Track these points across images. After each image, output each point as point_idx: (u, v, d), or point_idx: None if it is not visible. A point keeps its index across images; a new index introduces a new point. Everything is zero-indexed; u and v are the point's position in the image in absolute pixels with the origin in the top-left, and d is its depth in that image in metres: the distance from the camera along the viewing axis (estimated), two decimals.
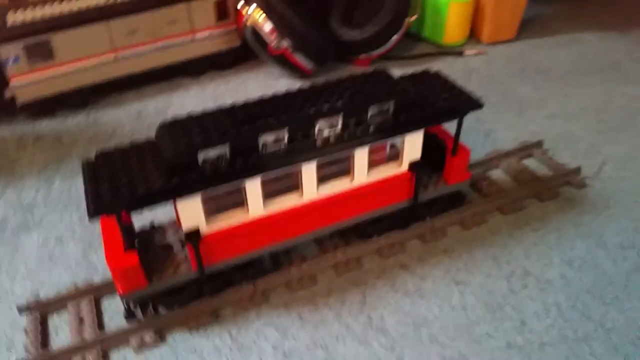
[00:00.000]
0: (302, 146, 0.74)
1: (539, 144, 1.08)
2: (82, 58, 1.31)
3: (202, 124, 0.72)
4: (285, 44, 1.31)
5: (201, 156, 0.70)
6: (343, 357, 0.75)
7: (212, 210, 0.75)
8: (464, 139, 0.86)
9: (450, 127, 0.89)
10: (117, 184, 0.69)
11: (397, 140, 0.81)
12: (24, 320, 0.82)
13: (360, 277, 0.86)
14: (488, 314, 0.79)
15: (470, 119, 0.83)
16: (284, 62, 1.35)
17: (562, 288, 0.82)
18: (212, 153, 0.70)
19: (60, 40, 1.26)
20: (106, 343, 0.77)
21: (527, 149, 1.07)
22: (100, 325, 0.81)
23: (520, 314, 0.78)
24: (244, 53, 1.47)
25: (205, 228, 0.74)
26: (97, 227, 0.98)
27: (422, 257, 0.88)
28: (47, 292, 0.86)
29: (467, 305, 0.80)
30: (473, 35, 1.54)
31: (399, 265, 0.87)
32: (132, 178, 0.69)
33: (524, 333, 0.76)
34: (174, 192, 0.69)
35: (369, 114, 0.76)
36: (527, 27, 1.58)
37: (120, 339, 0.78)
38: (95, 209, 0.67)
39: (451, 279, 0.84)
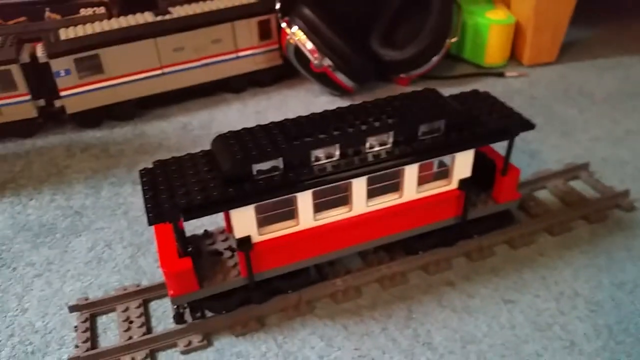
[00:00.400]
0: (353, 162, 0.75)
1: (585, 166, 1.07)
2: (129, 73, 1.35)
3: (256, 138, 0.74)
4: (327, 62, 1.33)
5: (256, 169, 0.71)
6: None
7: (263, 219, 0.76)
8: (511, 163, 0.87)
9: (497, 146, 0.90)
10: (175, 193, 0.71)
11: (447, 158, 0.81)
12: (73, 319, 0.84)
13: (406, 292, 0.86)
14: (537, 333, 0.78)
15: (515, 139, 0.84)
16: (325, 80, 1.38)
17: (613, 310, 0.80)
18: (266, 166, 0.72)
19: (108, 55, 1.31)
20: (154, 344, 0.79)
21: (574, 171, 1.06)
22: (148, 327, 0.82)
23: (569, 335, 0.77)
24: (285, 71, 1.50)
25: (256, 236, 0.76)
26: (144, 233, 1.00)
27: (468, 275, 0.88)
28: (95, 293, 0.88)
29: (516, 324, 0.79)
30: (513, 57, 1.54)
31: (445, 282, 0.87)
32: (189, 188, 0.71)
33: (573, 354, 0.75)
34: (229, 202, 0.71)
35: (420, 132, 0.77)
36: (568, 51, 1.58)
37: (167, 341, 0.79)
38: (155, 216, 0.69)
39: (499, 297, 0.83)
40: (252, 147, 0.72)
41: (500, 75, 1.47)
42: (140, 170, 0.76)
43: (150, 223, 0.68)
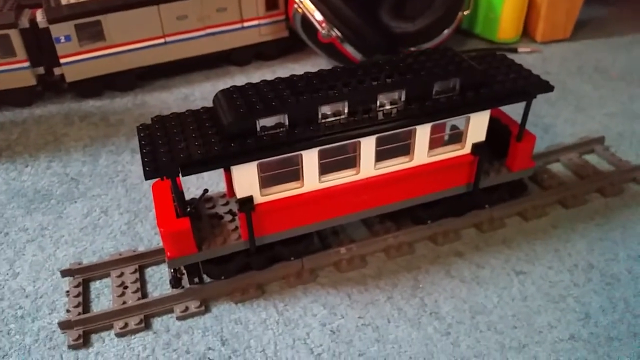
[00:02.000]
0: (362, 120, 0.71)
1: (600, 140, 1.03)
2: (131, 41, 1.31)
3: (261, 93, 0.70)
4: (335, 33, 1.29)
5: (260, 124, 0.68)
6: (394, 338, 0.71)
7: (266, 179, 0.72)
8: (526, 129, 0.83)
9: (512, 115, 0.86)
10: (174, 147, 0.67)
11: (460, 120, 0.77)
12: (66, 285, 0.81)
13: (412, 262, 0.82)
14: (550, 304, 0.74)
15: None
16: (332, 52, 1.34)
17: (630, 283, 0.77)
18: (270, 122, 0.68)
19: (111, 22, 1.27)
20: (149, 309, 0.75)
21: (588, 145, 1.02)
22: (143, 293, 0.79)
23: (584, 307, 0.74)
24: (291, 44, 1.46)
25: (259, 197, 0.72)
26: (142, 200, 0.97)
27: (479, 246, 0.84)
28: (90, 259, 0.85)
29: (528, 295, 0.76)
30: (526, 33, 1.50)
31: (454, 253, 0.83)
32: (189, 143, 0.68)
33: (589, 326, 0.71)
34: (231, 158, 0.67)
35: (434, 91, 0.74)
36: (583, 28, 1.53)
37: (163, 306, 0.76)
38: (152, 170, 0.65)
39: (511, 268, 0.80)
40: (256, 102, 0.68)
41: (513, 51, 1.43)
42: (138, 126, 0.73)
43: (147, 177, 0.65)
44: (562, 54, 1.42)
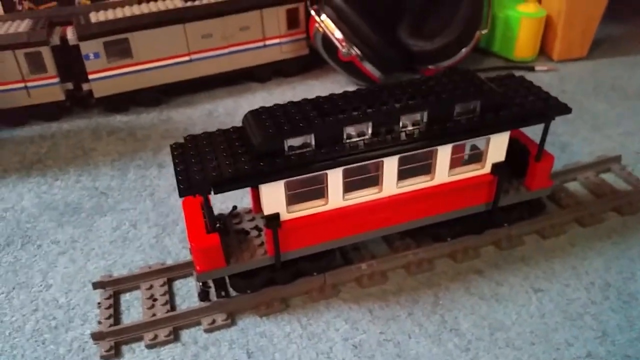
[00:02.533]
0: (385, 140, 0.74)
1: (617, 159, 1.05)
2: (157, 58, 1.35)
3: (288, 114, 0.73)
4: (355, 52, 1.32)
5: (287, 144, 0.71)
6: (415, 353, 0.73)
7: (293, 197, 0.75)
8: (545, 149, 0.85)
9: (530, 135, 0.88)
10: (206, 166, 0.70)
11: (480, 141, 0.80)
12: (97, 296, 0.84)
13: (432, 278, 0.84)
14: (567, 322, 0.76)
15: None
16: (352, 70, 1.37)
17: None
18: (298, 142, 0.71)
19: (138, 40, 1.31)
20: (178, 322, 0.78)
21: (605, 163, 1.04)
22: (171, 305, 0.82)
23: (601, 325, 0.75)
24: (311, 61, 1.49)
25: (285, 214, 0.75)
26: (170, 214, 1.00)
27: (497, 263, 0.86)
28: (120, 271, 0.89)
29: (546, 312, 0.78)
30: (543, 52, 1.52)
31: (474, 271, 0.85)
32: (221, 161, 0.71)
33: (606, 344, 0.73)
34: (260, 177, 0.70)
35: (455, 112, 0.76)
36: (599, 46, 1.55)
37: (191, 318, 0.79)
38: (186, 188, 0.68)
39: (529, 286, 0.82)
40: (284, 123, 0.71)
41: (530, 69, 1.45)
42: (171, 145, 0.76)
43: (181, 195, 0.68)
44: (579, 72, 1.44)
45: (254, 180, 0.71)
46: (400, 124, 0.75)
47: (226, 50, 1.40)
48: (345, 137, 0.73)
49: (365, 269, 0.84)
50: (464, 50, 1.37)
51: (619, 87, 1.36)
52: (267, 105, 0.77)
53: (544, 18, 1.43)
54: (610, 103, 1.29)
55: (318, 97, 0.77)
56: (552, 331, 0.75)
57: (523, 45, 1.45)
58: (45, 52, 1.27)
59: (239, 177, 0.69)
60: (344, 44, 1.32)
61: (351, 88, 1.38)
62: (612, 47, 1.57)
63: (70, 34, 1.30)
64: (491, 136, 0.78)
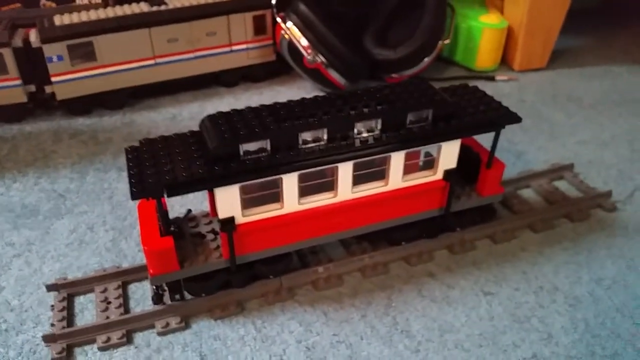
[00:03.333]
0: (340, 146, 0.75)
1: (570, 167, 1.08)
2: (122, 62, 1.35)
3: (245, 119, 0.74)
4: (320, 59, 1.34)
5: (243, 149, 0.71)
6: (367, 355, 0.74)
7: (248, 201, 0.76)
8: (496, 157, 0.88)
9: (483, 142, 0.91)
10: (160, 169, 0.71)
11: (432, 148, 0.82)
12: (51, 299, 0.83)
13: (387, 281, 0.86)
14: (515, 324, 0.78)
15: (501, 140, 0.84)
16: (317, 77, 1.38)
17: (591, 305, 0.81)
18: (253, 146, 0.72)
19: (102, 43, 1.31)
20: (131, 324, 0.78)
21: (558, 171, 1.07)
22: (125, 308, 0.82)
23: (547, 327, 0.78)
24: (278, 67, 1.51)
25: (240, 218, 0.76)
26: (127, 218, 1.00)
27: (450, 267, 0.88)
28: (75, 274, 0.88)
29: (494, 315, 0.80)
30: (505, 62, 1.56)
31: (427, 274, 0.87)
32: (175, 165, 0.71)
33: (550, 345, 0.75)
34: (215, 181, 0.71)
35: (408, 120, 0.78)
36: (558, 58, 1.60)
37: (145, 321, 0.79)
38: (139, 191, 0.68)
39: (479, 289, 0.84)
40: (240, 127, 0.72)
41: (491, 79, 1.48)
42: (126, 148, 0.76)
43: (134, 198, 0.68)
44: (538, 82, 1.48)
45: (208, 184, 0.71)
46: (355, 131, 0.76)
47: (192, 55, 1.40)
48: (300, 142, 0.74)
49: (321, 272, 0.85)
50: (426, 59, 1.40)
51: (576, 97, 1.40)
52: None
53: (505, 29, 1.47)
54: (567, 112, 1.33)
55: (275, 103, 0.78)
56: (500, 333, 0.77)
57: (485, 55, 1.49)
58: (7, 54, 1.25)
59: (193, 181, 0.70)
60: (309, 51, 1.33)
61: (317, 94, 1.41)
62: (571, 58, 1.62)
63: (34, 36, 1.28)
64: (442, 144, 0.80)
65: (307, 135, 0.74)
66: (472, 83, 1.44)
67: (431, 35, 1.38)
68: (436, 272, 0.87)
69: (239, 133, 0.71)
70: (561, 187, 1.04)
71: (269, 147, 0.73)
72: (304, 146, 0.74)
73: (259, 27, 1.44)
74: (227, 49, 1.43)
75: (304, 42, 1.34)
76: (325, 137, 0.75)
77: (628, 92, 1.43)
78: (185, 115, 1.35)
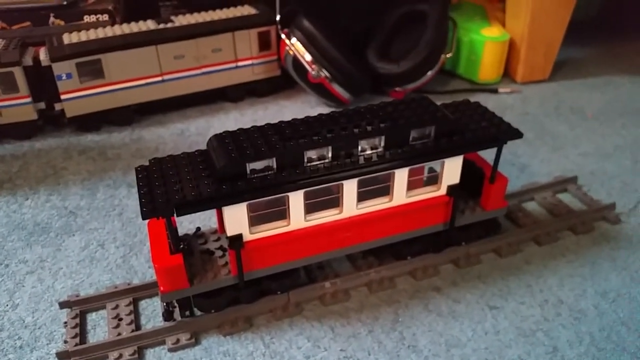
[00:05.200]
0: (345, 164, 0.77)
1: (573, 180, 1.09)
2: (130, 79, 1.37)
3: (251, 138, 0.76)
4: (324, 74, 1.36)
5: (250, 167, 0.73)
6: None
7: (255, 218, 0.77)
8: (499, 170, 0.89)
9: (487, 157, 0.92)
10: (170, 189, 0.72)
11: (436, 164, 0.83)
12: (64, 316, 0.85)
13: (393, 296, 0.87)
14: (520, 338, 0.79)
15: (505, 152, 0.86)
16: (322, 91, 1.40)
17: (596, 319, 0.82)
18: (260, 165, 0.74)
19: (110, 61, 1.33)
20: (142, 341, 0.80)
21: (562, 184, 1.08)
22: (137, 324, 0.83)
23: (552, 341, 0.79)
24: (283, 82, 1.53)
25: (248, 235, 0.77)
26: (137, 234, 1.01)
27: (455, 281, 0.89)
28: (87, 291, 0.89)
29: (500, 329, 0.81)
30: (507, 74, 1.57)
31: (432, 288, 0.88)
32: (184, 184, 0.73)
33: (556, 359, 0.76)
34: (223, 199, 0.72)
35: (411, 137, 0.79)
36: (561, 69, 1.61)
37: (156, 338, 0.80)
38: (149, 211, 0.70)
39: (485, 303, 0.85)
40: (247, 147, 0.74)
41: (494, 91, 1.50)
42: (136, 167, 0.78)
43: (144, 217, 0.70)
44: (541, 94, 1.49)
45: (216, 203, 0.73)
46: (359, 148, 0.78)
47: (199, 71, 1.43)
48: (306, 160, 0.76)
49: (328, 287, 0.87)
50: (429, 72, 1.42)
51: (579, 108, 1.42)
52: (239, 124, 0.80)
53: (507, 42, 1.49)
54: (570, 124, 1.34)
55: (280, 122, 0.80)
56: (506, 347, 0.78)
57: (487, 68, 1.50)
58: (18, 72, 1.28)
59: (202, 200, 0.71)
60: (313, 66, 1.35)
61: (321, 108, 1.44)
62: (573, 69, 1.63)
63: (43, 54, 1.31)
64: (445, 160, 0.81)
65: (312, 154, 0.76)
66: (475, 95, 1.48)
67: (433, 49, 1.40)
68: (442, 287, 0.88)
69: (246, 152, 0.73)
70: (565, 200, 1.05)
71: (275, 166, 0.74)
72: (309, 164, 0.76)
73: (264, 43, 1.46)
74: (232, 65, 1.46)
75: (308, 57, 1.36)
76: (329, 155, 0.77)
77: (630, 103, 1.44)
78: (193, 131, 1.37)
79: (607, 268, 0.90)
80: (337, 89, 1.38)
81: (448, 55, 1.45)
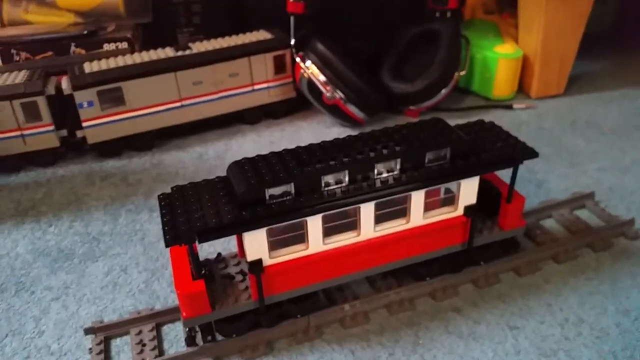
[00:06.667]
0: (361, 187, 0.78)
1: (591, 196, 1.09)
2: (150, 105, 1.40)
3: (270, 164, 0.78)
4: (339, 95, 1.38)
5: (268, 193, 0.75)
6: None
7: (274, 243, 0.79)
8: (516, 188, 0.89)
9: (503, 175, 0.92)
10: (192, 216, 0.74)
11: (452, 185, 0.84)
12: (88, 342, 0.86)
13: (413, 318, 0.87)
14: (542, 358, 0.79)
15: (522, 169, 0.86)
16: (337, 112, 1.42)
17: (618, 337, 0.81)
18: (278, 191, 0.75)
19: (130, 88, 1.37)
20: None
21: (580, 200, 1.08)
22: (160, 350, 0.84)
23: None
24: (298, 103, 1.55)
25: (267, 260, 0.78)
26: (159, 259, 1.03)
27: (475, 301, 0.89)
28: (110, 317, 0.91)
29: (521, 349, 0.80)
30: (521, 89, 1.57)
31: (453, 309, 0.88)
32: (205, 212, 0.75)
33: None
34: (243, 226, 0.74)
35: (426, 159, 0.80)
36: (575, 83, 1.61)
37: None
38: (172, 238, 0.72)
39: (505, 323, 0.84)
40: (265, 173, 0.75)
41: (509, 107, 1.50)
42: (159, 195, 0.80)
43: (167, 245, 0.72)
44: (556, 109, 1.49)
45: (237, 229, 0.74)
46: (375, 172, 0.79)
47: (216, 96, 1.45)
48: (323, 185, 0.77)
49: (348, 310, 0.87)
50: (443, 90, 1.43)
51: (595, 122, 1.41)
52: (257, 146, 0.81)
53: (520, 58, 1.49)
54: (586, 139, 1.34)
55: (297, 147, 0.81)
56: None
57: (501, 84, 1.51)
58: (41, 102, 1.32)
59: (223, 227, 0.73)
60: (328, 87, 1.37)
61: (337, 128, 1.46)
62: (588, 83, 1.63)
63: (65, 83, 1.35)
64: (461, 181, 0.82)
65: (329, 178, 0.77)
66: (489, 112, 1.49)
67: (447, 68, 1.41)
68: (462, 307, 0.88)
69: (265, 178, 0.74)
70: (583, 216, 1.04)
71: (293, 191, 0.76)
72: (326, 188, 0.77)
73: (279, 67, 1.49)
74: (249, 88, 1.48)
75: (323, 79, 1.38)
76: (346, 179, 0.78)
77: None
78: (212, 154, 1.40)
79: (628, 285, 0.90)
80: (352, 109, 1.39)
81: (462, 73, 1.46)
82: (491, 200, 0.90)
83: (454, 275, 0.91)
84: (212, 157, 1.38)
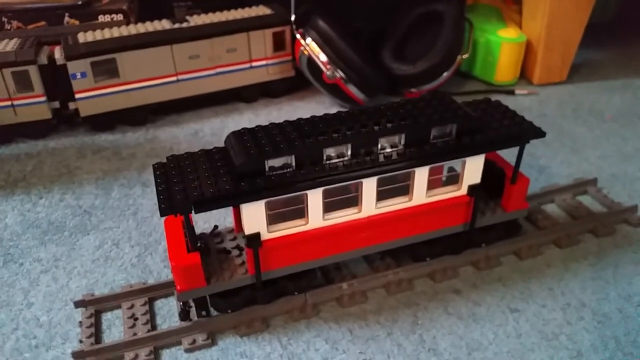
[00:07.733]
0: (364, 162, 0.75)
1: (593, 182, 1.07)
2: (145, 78, 1.37)
3: (270, 135, 0.75)
4: (339, 74, 1.35)
5: (268, 164, 0.72)
6: None
7: (273, 217, 0.76)
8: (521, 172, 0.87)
9: (507, 157, 0.90)
10: (188, 186, 0.72)
11: (456, 163, 0.82)
12: (79, 315, 0.84)
13: (412, 298, 0.85)
14: (543, 342, 0.77)
15: (524, 154, 0.84)
16: (337, 92, 1.39)
17: (620, 322, 0.80)
18: (278, 162, 0.73)
19: (125, 60, 1.33)
20: (158, 341, 0.79)
21: (582, 186, 1.06)
22: (152, 325, 0.82)
23: (576, 345, 0.77)
24: (297, 83, 1.52)
25: (265, 234, 0.76)
26: (152, 233, 1.01)
27: (475, 283, 0.87)
28: (101, 290, 0.89)
29: (522, 332, 0.79)
30: (524, 75, 1.55)
31: (452, 290, 0.86)
32: (202, 181, 0.72)
33: None
34: (241, 197, 0.71)
35: (431, 135, 0.78)
36: (578, 71, 1.59)
37: (172, 338, 0.79)
38: (167, 208, 0.69)
39: (506, 306, 0.83)
40: (265, 144, 0.73)
41: (511, 93, 1.48)
42: (154, 164, 0.77)
43: (162, 214, 0.69)
44: (558, 96, 1.48)
45: (235, 200, 0.72)
46: (379, 146, 0.76)
47: (213, 71, 1.42)
48: (325, 158, 0.75)
49: (345, 289, 0.85)
50: (445, 74, 1.40)
51: (597, 110, 1.40)
52: (253, 125, 0.78)
53: (524, 43, 1.47)
54: (589, 126, 1.32)
55: (299, 119, 0.79)
56: (529, 351, 0.76)
57: (503, 69, 1.49)
58: (33, 71, 1.28)
59: (220, 197, 0.70)
60: (328, 66, 1.34)
61: (335, 109, 1.43)
62: (591, 71, 1.61)
63: (58, 53, 1.31)
64: (467, 159, 0.80)
65: (331, 151, 0.75)
66: (491, 97, 1.45)
67: (450, 50, 1.38)
68: (462, 289, 0.86)
69: (265, 149, 0.72)
70: (585, 202, 1.03)
71: (293, 163, 0.73)
72: (328, 162, 0.75)
73: (279, 43, 1.46)
74: (247, 65, 1.45)
75: (323, 57, 1.35)
76: (349, 152, 0.76)
77: None
78: (207, 131, 1.37)
79: (631, 272, 0.88)
80: (352, 89, 1.36)
81: (464, 57, 1.44)
82: (495, 181, 0.88)
83: (454, 257, 0.90)
84: (208, 134, 1.35)
